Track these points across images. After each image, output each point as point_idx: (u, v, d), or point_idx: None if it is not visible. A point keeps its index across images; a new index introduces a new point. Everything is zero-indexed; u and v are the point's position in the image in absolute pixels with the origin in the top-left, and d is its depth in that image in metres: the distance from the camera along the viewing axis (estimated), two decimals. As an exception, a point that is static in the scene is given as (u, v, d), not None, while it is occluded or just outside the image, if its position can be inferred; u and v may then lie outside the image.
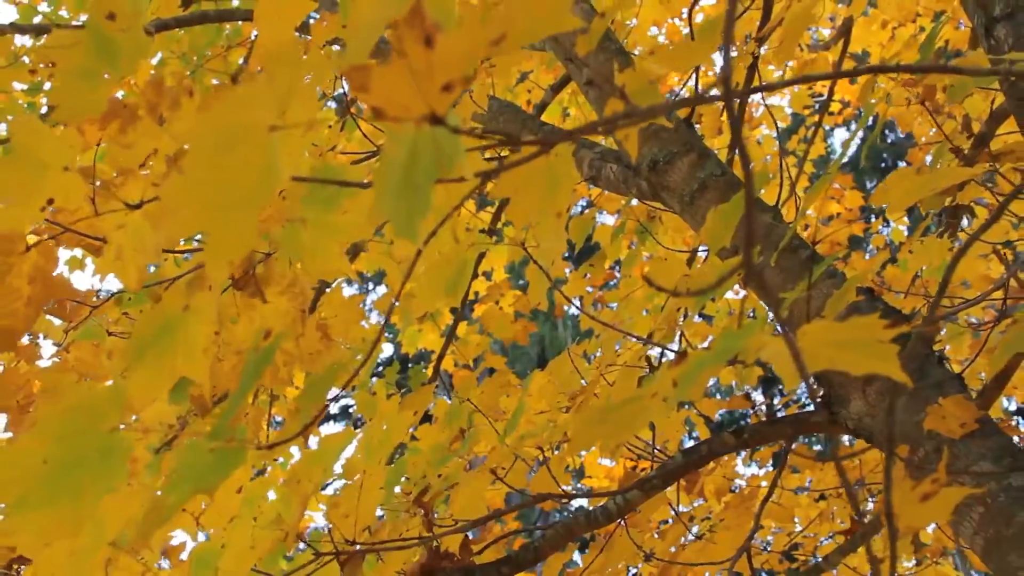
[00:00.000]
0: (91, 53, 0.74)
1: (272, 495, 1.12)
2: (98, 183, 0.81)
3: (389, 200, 0.55)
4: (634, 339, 2.00)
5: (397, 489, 1.83)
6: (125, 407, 0.67)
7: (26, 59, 4.10)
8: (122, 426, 0.72)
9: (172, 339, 0.77)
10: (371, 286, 12.00)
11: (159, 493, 0.71)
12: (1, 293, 0.90)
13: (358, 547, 1.09)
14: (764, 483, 2.80)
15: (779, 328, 0.54)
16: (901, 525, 0.70)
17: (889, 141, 13.36)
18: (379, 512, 1.66)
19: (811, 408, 1.71)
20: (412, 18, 0.47)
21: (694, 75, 2.73)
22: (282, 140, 0.50)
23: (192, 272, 1.55)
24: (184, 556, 1.23)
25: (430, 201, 0.56)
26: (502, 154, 2.21)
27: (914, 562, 3.73)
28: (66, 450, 0.66)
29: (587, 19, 1.74)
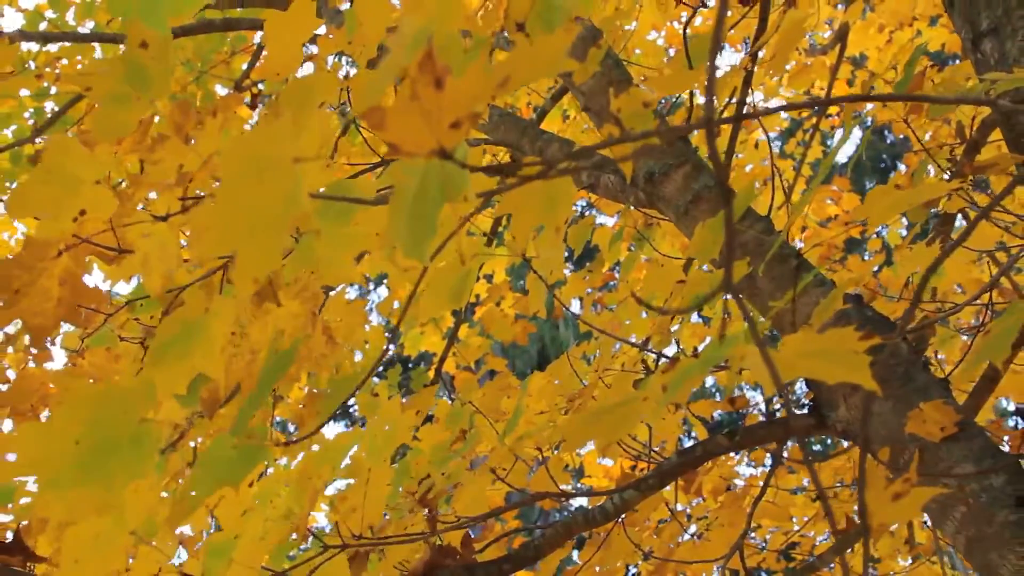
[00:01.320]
0: (124, 78, 0.79)
1: (281, 492, 1.17)
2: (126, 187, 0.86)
3: (400, 225, 0.61)
4: (629, 344, 2.05)
5: (400, 488, 1.88)
6: (154, 399, 0.72)
7: (32, 64, 4.16)
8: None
9: (193, 339, 0.82)
10: (372, 287, 12.05)
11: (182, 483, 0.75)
12: (34, 294, 0.95)
13: (364, 540, 1.14)
14: (763, 483, 2.85)
15: (756, 339, 0.59)
16: (874, 523, 0.75)
17: (888, 142, 13.39)
18: (382, 513, 1.71)
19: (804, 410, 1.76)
20: (424, 63, 0.52)
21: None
22: (304, 170, 0.55)
23: (204, 279, 1.61)
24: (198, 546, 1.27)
25: (437, 226, 0.61)
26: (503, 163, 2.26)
27: (910, 561, 3.78)
28: (98, 435, 0.71)
29: (586, 33, 1.79)
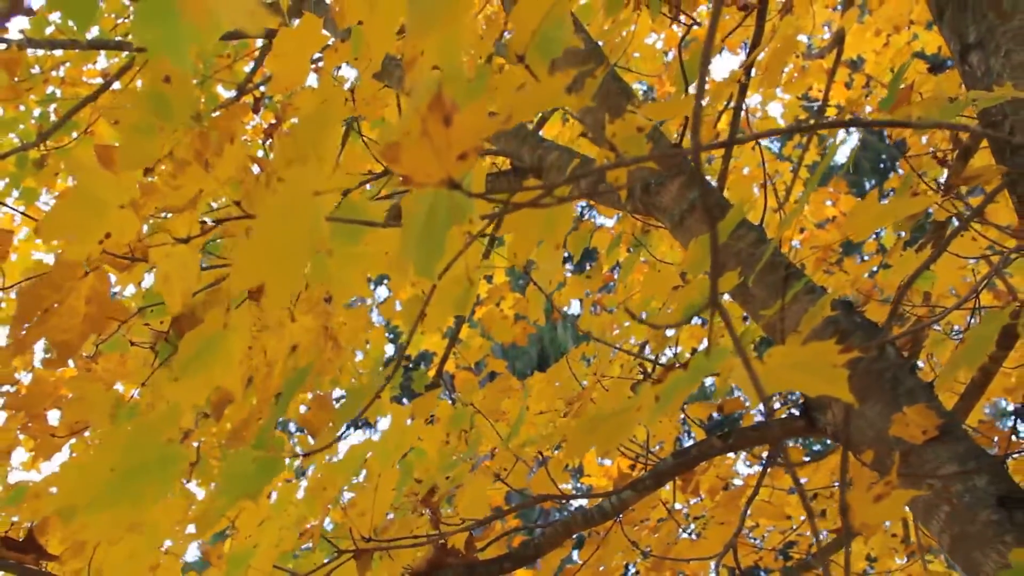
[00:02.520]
0: (148, 110, 0.84)
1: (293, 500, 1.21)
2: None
3: (411, 246, 0.65)
4: (625, 352, 2.10)
5: (402, 489, 1.93)
6: (178, 422, 0.77)
7: (37, 68, 4.20)
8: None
9: (213, 354, 0.87)
10: (372, 286, 12.08)
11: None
12: (62, 312, 1.01)
13: (373, 543, 1.19)
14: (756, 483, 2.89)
15: (741, 353, 0.63)
16: (857, 523, 0.80)
17: (887, 143, 13.42)
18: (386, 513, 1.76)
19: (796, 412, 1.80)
20: (435, 103, 0.57)
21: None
22: (322, 201, 0.60)
23: (210, 287, 1.66)
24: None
25: (444, 247, 0.66)
26: (503, 169, 2.31)
27: (905, 559, 3.83)
28: (130, 459, 0.76)
29: (585, 47, 1.84)
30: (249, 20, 0.41)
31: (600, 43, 2.13)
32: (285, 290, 0.55)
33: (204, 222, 0.91)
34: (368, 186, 2.45)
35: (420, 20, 0.72)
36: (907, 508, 1.57)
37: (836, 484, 3.46)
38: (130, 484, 0.75)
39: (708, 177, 3.63)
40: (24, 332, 1.02)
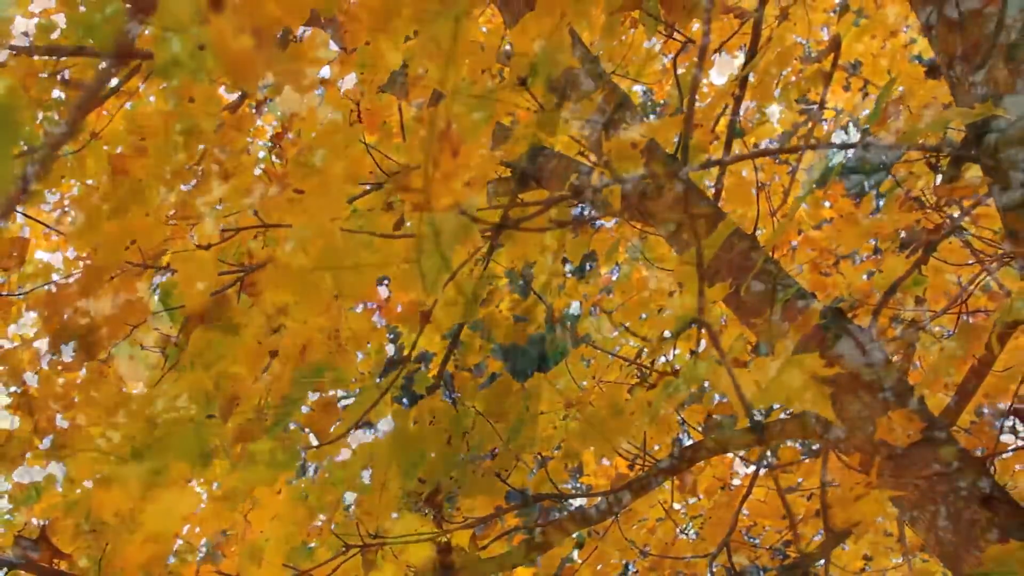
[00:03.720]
0: (174, 127, 0.89)
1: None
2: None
3: (420, 265, 0.70)
4: (622, 359, 2.14)
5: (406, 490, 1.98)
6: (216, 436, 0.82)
7: (43, 73, 4.24)
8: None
9: (228, 345, 0.92)
10: (373, 287, 12.11)
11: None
12: (90, 312, 1.06)
13: (379, 539, 1.24)
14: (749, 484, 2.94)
15: (726, 366, 0.68)
16: (839, 522, 0.85)
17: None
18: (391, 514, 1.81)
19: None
20: (444, 137, 0.62)
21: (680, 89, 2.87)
22: (339, 225, 0.65)
23: (220, 293, 1.70)
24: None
25: (451, 265, 0.71)
26: (503, 175, 2.36)
27: (901, 558, 3.88)
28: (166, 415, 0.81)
29: (584, 62, 1.88)
30: (294, 79, 0.46)
31: (599, 52, 2.18)
32: (310, 309, 0.60)
33: (223, 229, 0.96)
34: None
35: (425, 49, 0.77)
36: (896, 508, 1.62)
37: (834, 483, 3.50)
38: (167, 441, 0.81)
39: (706, 181, 3.68)
40: (54, 334, 1.08)
